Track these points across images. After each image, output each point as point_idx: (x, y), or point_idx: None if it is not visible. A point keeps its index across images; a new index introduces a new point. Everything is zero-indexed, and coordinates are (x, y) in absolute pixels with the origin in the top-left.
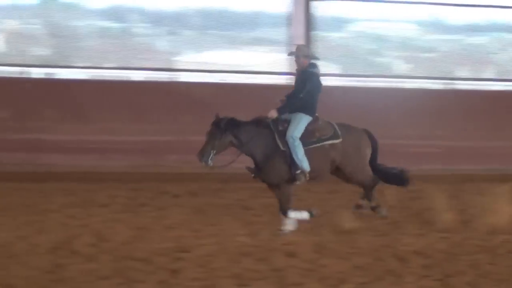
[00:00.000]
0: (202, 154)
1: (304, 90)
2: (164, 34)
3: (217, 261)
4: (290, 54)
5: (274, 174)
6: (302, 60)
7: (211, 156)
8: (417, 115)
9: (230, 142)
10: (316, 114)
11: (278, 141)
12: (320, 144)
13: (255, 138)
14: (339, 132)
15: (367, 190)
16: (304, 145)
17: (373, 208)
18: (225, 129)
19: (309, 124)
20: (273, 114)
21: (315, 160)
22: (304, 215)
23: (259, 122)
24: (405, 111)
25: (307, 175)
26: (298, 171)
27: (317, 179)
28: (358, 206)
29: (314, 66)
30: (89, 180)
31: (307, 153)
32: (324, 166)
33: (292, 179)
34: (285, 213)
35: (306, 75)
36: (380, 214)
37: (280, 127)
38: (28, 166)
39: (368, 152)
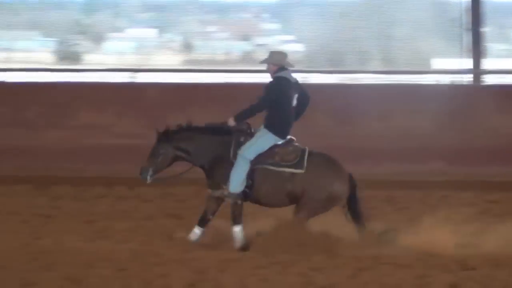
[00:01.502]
0: (141, 170)
1: (258, 99)
2: None
3: None
4: (263, 62)
5: (218, 180)
6: (269, 67)
7: (149, 173)
8: None
9: (175, 157)
10: (291, 138)
11: (231, 151)
12: (278, 169)
13: (207, 147)
14: (305, 163)
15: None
16: (257, 163)
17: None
18: (168, 141)
19: (275, 146)
20: (230, 122)
21: (266, 184)
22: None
23: (219, 129)
24: None
25: (227, 193)
26: (225, 186)
27: (264, 204)
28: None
29: (283, 71)
30: None
31: (259, 174)
32: (276, 195)
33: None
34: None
35: (267, 84)
36: None
37: (241, 138)
38: None
39: (338, 198)
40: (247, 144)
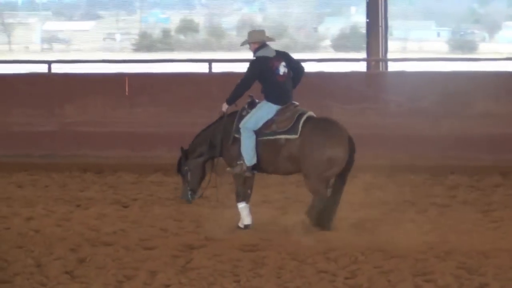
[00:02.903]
0: (181, 195)
1: (244, 76)
2: None
3: None
4: (242, 44)
5: (227, 155)
6: (251, 46)
7: (189, 194)
8: None
9: (202, 164)
10: (295, 103)
11: (234, 127)
12: (273, 137)
13: (215, 134)
14: (299, 128)
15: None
16: (259, 135)
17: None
18: (185, 156)
19: (275, 113)
20: (223, 106)
21: (267, 154)
22: (246, 220)
23: (222, 117)
24: None
25: (244, 168)
26: (239, 162)
27: (272, 173)
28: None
29: (262, 49)
30: None
31: (260, 145)
32: (276, 161)
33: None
34: (236, 198)
35: (250, 61)
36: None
37: (244, 113)
38: None
39: (335, 161)
40: (246, 117)
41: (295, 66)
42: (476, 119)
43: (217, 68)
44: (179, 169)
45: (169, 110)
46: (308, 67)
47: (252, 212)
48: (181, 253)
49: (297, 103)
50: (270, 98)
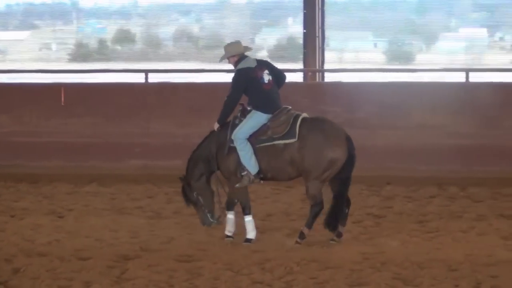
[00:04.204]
0: (202, 222)
1: (229, 91)
2: None
3: None
4: (221, 59)
5: (223, 167)
6: (230, 60)
7: (209, 216)
8: None
9: (206, 184)
10: (288, 107)
11: (228, 136)
12: (270, 143)
13: (209, 146)
14: (297, 131)
15: (309, 213)
16: (257, 142)
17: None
18: (186, 181)
19: (269, 120)
20: (215, 126)
21: (267, 160)
22: (252, 234)
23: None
24: None
25: (252, 178)
26: (244, 173)
27: (274, 179)
28: (338, 234)
29: (243, 61)
30: None
31: (259, 152)
32: (279, 166)
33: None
34: (243, 211)
35: (234, 75)
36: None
37: (236, 121)
38: None
39: (335, 161)
40: (239, 126)
41: (276, 74)
42: (413, 130)
43: (154, 78)
44: (188, 198)
45: (105, 120)
46: None
47: (188, 223)
48: (116, 263)
49: (289, 107)
50: (259, 108)
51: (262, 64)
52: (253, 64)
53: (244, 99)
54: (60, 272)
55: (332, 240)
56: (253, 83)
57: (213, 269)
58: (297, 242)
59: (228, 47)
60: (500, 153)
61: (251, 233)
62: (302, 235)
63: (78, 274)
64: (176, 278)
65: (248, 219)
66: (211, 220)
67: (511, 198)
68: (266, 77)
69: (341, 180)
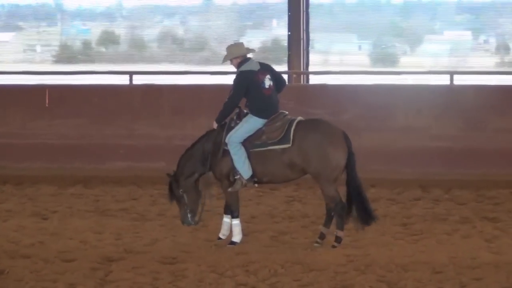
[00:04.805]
0: (182, 220)
1: (231, 93)
2: None
3: None
4: (224, 60)
5: (216, 169)
6: (233, 62)
7: (189, 216)
8: None
9: (195, 181)
10: (284, 112)
11: (223, 139)
12: (265, 148)
13: (205, 146)
14: (291, 136)
15: (328, 213)
16: (251, 147)
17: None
18: (175, 179)
19: (264, 125)
20: (214, 125)
21: (263, 164)
22: (238, 237)
23: (211, 131)
24: None
25: (245, 182)
26: (237, 177)
27: (271, 183)
28: (321, 235)
29: (246, 63)
30: None
31: (254, 156)
32: (276, 171)
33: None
34: (232, 214)
35: (234, 80)
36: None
37: (232, 124)
38: None
39: (339, 160)
40: (234, 129)
41: (277, 79)
42: (397, 132)
43: (138, 80)
44: (172, 195)
45: (89, 122)
46: (228, 80)
47: (173, 225)
48: (100, 265)
49: (286, 112)
50: (256, 112)
51: (265, 68)
52: (256, 67)
53: (242, 101)
54: (44, 274)
55: (316, 242)
56: (254, 87)
57: (197, 271)
58: (333, 246)
59: (231, 48)
60: (484, 155)
61: (237, 237)
62: (338, 239)
63: (62, 276)
64: (160, 280)
65: (236, 222)
66: (191, 220)
67: (495, 200)
68: (267, 82)
69: (349, 179)
